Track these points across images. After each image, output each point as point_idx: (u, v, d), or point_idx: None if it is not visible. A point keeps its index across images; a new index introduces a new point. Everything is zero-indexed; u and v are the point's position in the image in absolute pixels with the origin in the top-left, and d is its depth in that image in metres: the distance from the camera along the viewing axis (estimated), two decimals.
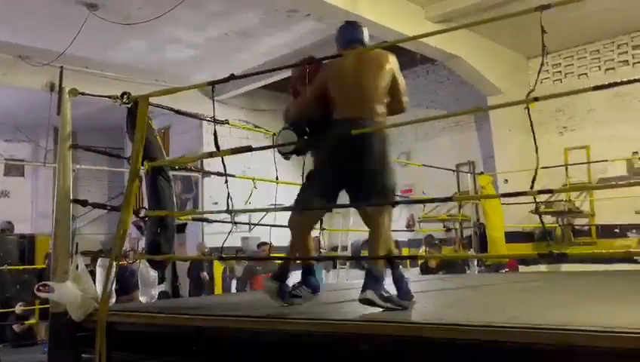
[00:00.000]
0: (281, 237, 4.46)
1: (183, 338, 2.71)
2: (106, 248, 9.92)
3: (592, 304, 3.02)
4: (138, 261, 5.51)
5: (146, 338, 2.91)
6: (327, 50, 8.19)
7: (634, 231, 8.08)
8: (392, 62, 3.10)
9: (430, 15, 7.56)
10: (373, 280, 2.69)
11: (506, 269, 7.75)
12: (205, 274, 8.92)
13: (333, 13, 6.78)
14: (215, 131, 3.04)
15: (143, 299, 5.15)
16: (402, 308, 2.65)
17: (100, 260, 5.23)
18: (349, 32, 3.42)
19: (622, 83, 2.77)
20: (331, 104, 3.05)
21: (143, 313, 3.06)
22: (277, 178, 5.27)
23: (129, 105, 3.32)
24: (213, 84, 3.26)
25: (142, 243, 6.52)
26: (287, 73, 8.48)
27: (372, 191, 2.92)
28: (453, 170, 9.22)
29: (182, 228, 10.07)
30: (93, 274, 3.95)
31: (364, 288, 2.66)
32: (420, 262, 8.12)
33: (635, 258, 7.42)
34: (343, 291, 4.40)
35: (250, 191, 5.06)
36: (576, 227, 8.73)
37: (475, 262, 7.34)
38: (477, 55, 8.38)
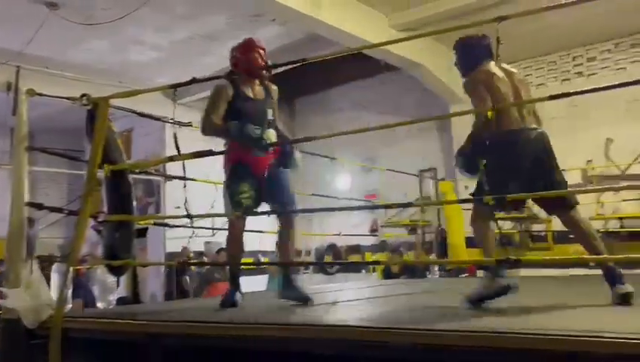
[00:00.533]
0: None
1: (139, 345, 2.67)
2: (63, 253, 9.68)
3: (545, 308, 3.11)
4: (95, 266, 5.41)
5: (101, 345, 2.86)
6: (291, 54, 8.29)
7: None
8: None
9: (393, 23, 7.68)
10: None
11: (466, 274, 7.89)
12: (187, 278, 8.74)
13: (298, 18, 6.82)
14: (175, 135, 3.03)
15: (100, 304, 5.04)
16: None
17: (56, 265, 5.11)
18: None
19: (577, 93, 2.87)
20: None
21: (100, 319, 3.01)
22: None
23: (89, 107, 3.26)
24: (175, 87, 3.25)
25: (101, 248, 6.40)
26: None
27: None
28: (417, 175, 9.35)
29: (142, 232, 9.90)
30: (49, 279, 3.87)
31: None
32: (381, 267, 8.21)
33: (589, 263, 7.69)
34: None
35: (214, 197, 5.05)
36: (534, 233, 8.96)
37: (436, 267, 7.45)
38: (440, 64, 8.53)
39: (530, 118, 3.23)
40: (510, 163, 3.09)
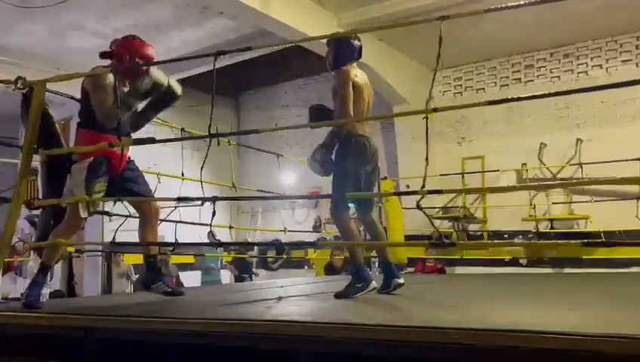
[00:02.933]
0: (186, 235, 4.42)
1: (72, 340, 2.61)
2: None
3: (478, 303, 3.25)
4: (28, 256, 5.20)
5: (32, 339, 2.77)
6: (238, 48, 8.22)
7: (520, 236, 8.72)
8: None
9: (342, 22, 7.75)
10: None
11: (407, 270, 8.09)
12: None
13: (246, 12, 6.79)
14: (118, 122, 2.96)
15: None
16: None
17: None
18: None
19: (513, 100, 3.02)
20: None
21: (31, 313, 2.90)
22: (182, 174, 5.22)
23: (24, 91, 3.14)
24: (115, 71, 3.18)
25: (34, 239, 6.15)
26: (197, 68, 8.44)
27: None
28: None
29: None
30: None
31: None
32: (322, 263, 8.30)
33: (520, 261, 8.06)
34: (248, 291, 4.41)
35: (155, 187, 4.97)
36: (470, 232, 9.28)
37: (377, 263, 7.59)
38: (385, 65, 8.68)
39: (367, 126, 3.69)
40: (357, 164, 3.53)
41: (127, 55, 3.34)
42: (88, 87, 3.24)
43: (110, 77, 3.20)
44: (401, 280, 3.59)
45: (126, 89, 3.32)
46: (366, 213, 3.72)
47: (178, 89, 3.46)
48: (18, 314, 2.88)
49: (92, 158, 3.17)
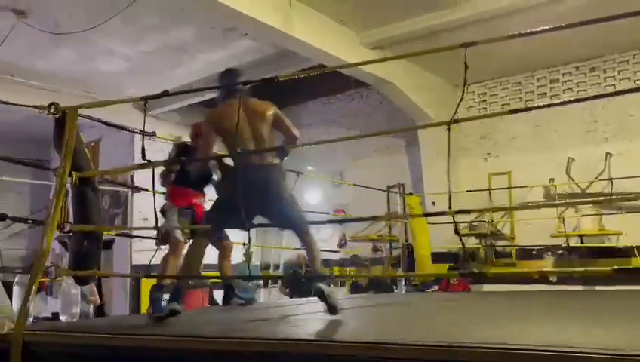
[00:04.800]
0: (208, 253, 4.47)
1: (101, 359, 2.64)
2: (26, 264, 9.44)
3: (504, 322, 3.20)
4: (60, 279, 5.29)
5: (63, 358, 2.81)
6: (262, 69, 8.34)
7: (549, 253, 8.56)
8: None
9: (364, 41, 7.81)
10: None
11: (434, 288, 7.99)
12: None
13: (270, 33, 6.87)
14: (143, 144, 3.03)
15: (63, 317, 4.93)
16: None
17: (18, 277, 4.99)
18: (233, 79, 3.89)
19: (536, 107, 3.02)
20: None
21: (62, 332, 2.95)
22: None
23: (57, 116, 3.23)
24: (145, 99, 3.26)
25: (65, 260, 6.27)
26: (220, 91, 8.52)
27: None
28: (384, 190, 9.45)
29: (108, 244, 9.74)
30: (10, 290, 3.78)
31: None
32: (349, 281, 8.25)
33: (549, 278, 7.89)
34: (271, 309, 4.42)
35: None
36: (498, 249, 9.14)
37: (403, 282, 7.53)
38: (408, 82, 8.69)
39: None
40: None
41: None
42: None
43: None
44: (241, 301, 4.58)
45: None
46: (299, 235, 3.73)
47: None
48: (50, 333, 2.94)
49: (179, 208, 4.21)
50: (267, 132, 3.68)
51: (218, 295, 8.65)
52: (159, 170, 4.20)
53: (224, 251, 4.59)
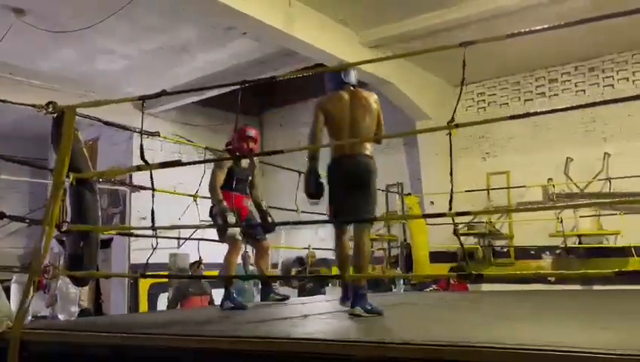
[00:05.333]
0: (210, 254, 4.49)
1: (99, 358, 2.64)
2: (24, 263, 9.43)
3: (502, 322, 3.20)
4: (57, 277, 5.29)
5: (61, 357, 2.81)
6: (262, 68, 8.34)
7: (547, 253, 8.57)
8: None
9: (364, 40, 7.81)
10: (359, 297, 3.36)
11: (432, 288, 8.00)
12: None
13: (270, 33, 6.87)
14: (142, 144, 3.03)
15: (61, 316, 4.93)
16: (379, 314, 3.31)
17: (16, 276, 5.00)
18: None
19: (535, 114, 3.02)
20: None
21: (59, 331, 2.95)
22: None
23: (55, 115, 3.23)
24: (143, 98, 3.26)
25: (63, 259, 6.28)
26: (220, 90, 8.56)
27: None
28: (383, 190, 9.45)
29: (107, 243, 9.74)
30: (8, 289, 3.79)
31: (353, 305, 3.35)
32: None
33: (548, 278, 7.90)
34: (273, 309, 4.42)
35: (187, 206, 5.13)
36: (496, 248, 9.16)
37: (402, 281, 7.54)
38: (407, 81, 8.70)
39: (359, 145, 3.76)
40: (333, 188, 3.73)
41: (235, 140, 4.58)
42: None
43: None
44: (360, 311, 3.44)
45: (243, 165, 4.65)
46: (357, 231, 3.69)
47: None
48: (48, 332, 2.94)
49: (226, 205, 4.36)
50: (370, 123, 3.77)
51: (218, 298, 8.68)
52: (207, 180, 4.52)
53: (261, 251, 4.77)
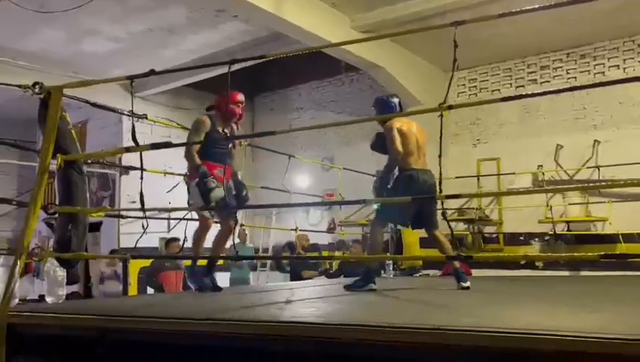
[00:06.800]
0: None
1: (86, 340, 2.62)
2: (12, 246, 9.37)
3: (493, 307, 3.22)
4: (45, 259, 5.24)
5: (48, 340, 2.79)
6: (252, 51, 8.26)
7: (536, 239, 8.63)
8: None
9: (356, 25, 7.75)
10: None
11: (421, 273, 8.02)
12: None
13: (260, 15, 6.81)
14: (133, 125, 2.99)
15: (49, 299, 4.88)
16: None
17: (2, 258, 4.95)
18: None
19: (528, 95, 3.01)
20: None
21: (46, 314, 2.93)
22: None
23: (42, 96, 3.18)
24: (132, 78, 3.21)
25: (52, 242, 6.23)
26: (211, 73, 8.49)
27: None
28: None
29: (96, 226, 9.68)
30: None
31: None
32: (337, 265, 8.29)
33: (536, 264, 7.96)
34: (263, 293, 4.42)
35: (177, 184, 5.12)
36: (486, 234, 9.21)
37: (391, 266, 7.56)
38: (398, 66, 8.66)
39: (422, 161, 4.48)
40: (403, 195, 4.18)
41: (223, 103, 4.31)
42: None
43: (207, 122, 4.29)
44: (467, 284, 4.25)
45: (226, 130, 4.39)
46: (428, 230, 4.53)
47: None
48: (35, 315, 2.92)
49: (197, 178, 4.14)
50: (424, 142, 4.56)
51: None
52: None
53: (226, 231, 4.48)
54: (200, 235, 4.37)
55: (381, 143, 4.57)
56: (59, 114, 3.00)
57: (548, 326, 1.92)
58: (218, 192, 4.17)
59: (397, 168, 4.46)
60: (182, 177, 5.15)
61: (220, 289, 4.50)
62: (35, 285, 9.82)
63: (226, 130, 4.43)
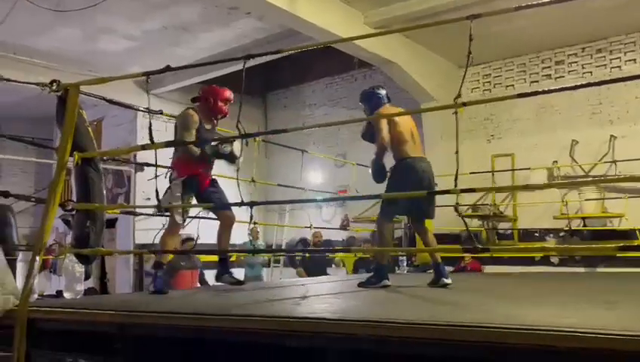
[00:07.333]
0: (212, 234, 4.47)
1: (105, 336, 2.66)
2: (30, 242, 9.48)
3: (507, 303, 3.21)
4: (63, 255, 5.33)
5: (67, 335, 2.84)
6: (266, 48, 8.27)
7: (551, 235, 8.57)
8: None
9: (369, 20, 7.73)
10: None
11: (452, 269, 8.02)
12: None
13: (274, 12, 6.82)
14: (150, 122, 3.02)
15: (67, 294, 4.97)
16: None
17: (21, 254, 5.02)
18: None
19: (543, 92, 2.99)
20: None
21: (65, 309, 2.98)
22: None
23: (59, 94, 3.22)
24: (148, 74, 3.24)
25: (69, 238, 6.31)
26: (224, 70, 8.53)
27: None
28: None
29: (112, 223, 9.79)
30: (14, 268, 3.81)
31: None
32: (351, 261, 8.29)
33: (551, 260, 7.92)
34: (276, 289, 4.45)
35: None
36: (500, 231, 9.15)
37: (405, 263, 7.56)
38: (412, 62, 8.62)
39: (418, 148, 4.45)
40: (403, 185, 4.13)
41: (211, 98, 4.17)
42: (178, 125, 4.09)
43: (196, 117, 4.06)
44: (449, 281, 4.20)
45: (208, 126, 4.16)
46: (417, 224, 4.52)
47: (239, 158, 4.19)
48: (54, 310, 2.96)
49: (185, 176, 3.97)
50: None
51: (210, 276, 8.70)
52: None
53: (226, 222, 4.24)
54: (169, 239, 4.12)
55: (371, 132, 4.52)
56: (76, 111, 3.03)
57: (562, 323, 1.91)
58: (237, 144, 4.08)
59: (393, 157, 4.40)
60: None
61: (242, 282, 4.44)
62: (52, 281, 9.96)
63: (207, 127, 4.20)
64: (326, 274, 8.50)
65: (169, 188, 4.01)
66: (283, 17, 7.03)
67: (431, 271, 7.84)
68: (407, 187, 4.08)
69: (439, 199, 4.42)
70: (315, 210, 10.86)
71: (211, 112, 4.18)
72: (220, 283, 4.39)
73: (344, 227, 10.25)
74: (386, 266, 4.33)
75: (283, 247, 10.55)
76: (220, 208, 4.17)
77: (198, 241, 5.95)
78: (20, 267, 4.63)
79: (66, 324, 2.84)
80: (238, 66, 3.08)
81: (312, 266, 8.54)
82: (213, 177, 4.30)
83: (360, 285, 4.18)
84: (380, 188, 4.43)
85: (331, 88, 11.41)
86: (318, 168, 10.38)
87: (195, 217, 4.95)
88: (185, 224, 4.16)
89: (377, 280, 4.14)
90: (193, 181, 4.03)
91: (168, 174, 4.13)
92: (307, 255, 8.87)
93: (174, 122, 4.23)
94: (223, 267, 4.36)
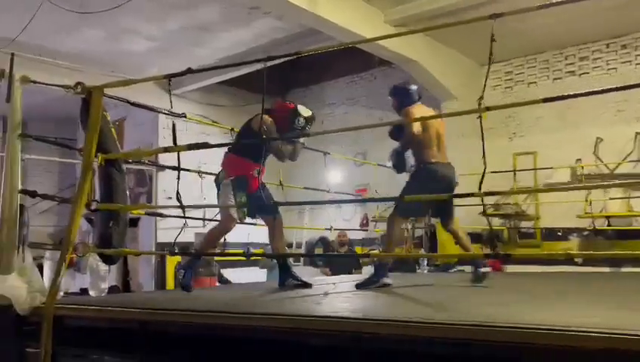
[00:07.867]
0: (233, 234, 4.49)
1: (128, 332, 2.70)
2: (54, 241, 9.66)
3: (526, 303, 3.18)
4: (87, 254, 5.40)
5: (92, 332, 2.88)
6: (285, 48, 8.30)
7: (575, 234, 8.44)
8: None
9: (389, 19, 7.71)
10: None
11: (457, 269, 7.95)
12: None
13: (294, 12, 6.83)
14: (174, 124, 3.05)
15: (92, 292, 5.05)
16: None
17: (48, 253, 5.13)
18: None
19: (569, 96, 2.94)
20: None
21: (90, 306, 3.03)
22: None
23: (83, 96, 3.27)
24: (170, 77, 3.28)
25: (92, 237, 6.41)
26: (244, 70, 8.57)
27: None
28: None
29: (134, 222, 9.91)
30: (41, 266, 3.89)
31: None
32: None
33: (575, 260, 7.79)
34: (294, 289, 4.45)
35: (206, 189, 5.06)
36: (522, 230, 9.05)
37: (425, 262, 7.52)
38: (433, 60, 8.57)
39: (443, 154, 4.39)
40: (424, 189, 3.99)
41: (282, 113, 4.37)
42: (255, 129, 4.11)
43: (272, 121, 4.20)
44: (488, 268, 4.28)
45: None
46: (446, 223, 4.49)
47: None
48: (80, 307, 3.02)
49: (234, 177, 4.03)
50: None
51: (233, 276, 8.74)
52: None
53: (276, 228, 4.24)
54: (218, 236, 4.20)
55: (397, 128, 4.49)
56: (100, 113, 3.08)
57: (585, 324, 1.89)
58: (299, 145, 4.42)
59: (415, 160, 4.37)
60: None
61: (310, 285, 4.15)
62: (76, 279, 10.11)
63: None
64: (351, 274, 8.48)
65: (219, 191, 4.13)
66: (303, 16, 7.03)
67: (453, 270, 7.86)
68: (427, 192, 3.98)
69: (461, 199, 4.37)
70: (335, 209, 10.86)
71: (278, 125, 4.29)
72: (242, 283, 4.42)
73: (363, 226, 10.24)
74: (385, 264, 4.18)
75: (303, 246, 10.56)
76: (264, 213, 4.24)
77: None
78: (47, 265, 4.71)
79: (92, 321, 2.88)
80: (256, 66, 3.10)
81: (338, 266, 8.53)
82: (263, 181, 4.22)
83: (358, 287, 3.97)
84: (400, 187, 4.43)
85: (351, 87, 11.39)
86: (337, 166, 10.36)
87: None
88: (241, 221, 4.16)
89: (377, 279, 3.99)
90: (242, 181, 4.07)
91: (217, 175, 4.21)
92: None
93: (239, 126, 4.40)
94: (286, 272, 4.27)
